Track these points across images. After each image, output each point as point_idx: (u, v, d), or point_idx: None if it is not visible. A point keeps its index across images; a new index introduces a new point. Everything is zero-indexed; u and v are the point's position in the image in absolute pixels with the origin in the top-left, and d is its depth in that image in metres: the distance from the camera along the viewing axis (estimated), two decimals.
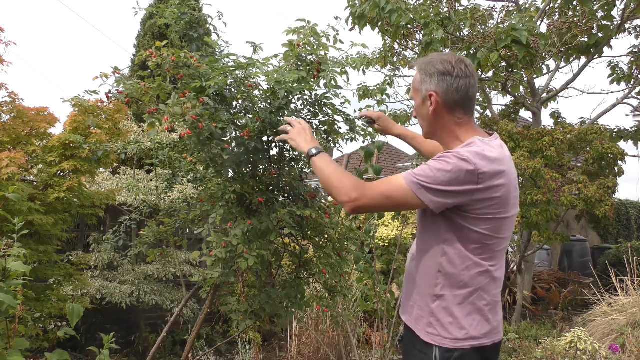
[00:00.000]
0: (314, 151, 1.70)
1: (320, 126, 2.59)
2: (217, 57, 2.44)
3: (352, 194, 1.49)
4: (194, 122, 2.19)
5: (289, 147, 2.59)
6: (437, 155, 1.49)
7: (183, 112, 2.13)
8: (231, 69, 2.30)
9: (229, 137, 2.42)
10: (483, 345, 1.50)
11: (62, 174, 3.68)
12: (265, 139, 2.50)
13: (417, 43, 7.18)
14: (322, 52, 2.47)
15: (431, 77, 1.57)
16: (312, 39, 2.45)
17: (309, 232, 2.61)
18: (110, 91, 2.34)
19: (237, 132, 2.38)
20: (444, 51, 6.36)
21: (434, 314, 1.53)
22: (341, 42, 2.55)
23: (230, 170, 2.49)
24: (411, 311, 1.62)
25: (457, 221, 1.48)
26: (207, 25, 3.03)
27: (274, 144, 2.55)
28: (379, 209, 1.57)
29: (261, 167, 2.57)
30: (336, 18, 2.63)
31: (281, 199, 2.61)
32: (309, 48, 2.44)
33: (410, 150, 24.05)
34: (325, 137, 2.65)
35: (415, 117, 1.69)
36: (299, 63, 2.47)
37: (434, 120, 1.60)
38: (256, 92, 2.47)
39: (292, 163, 2.63)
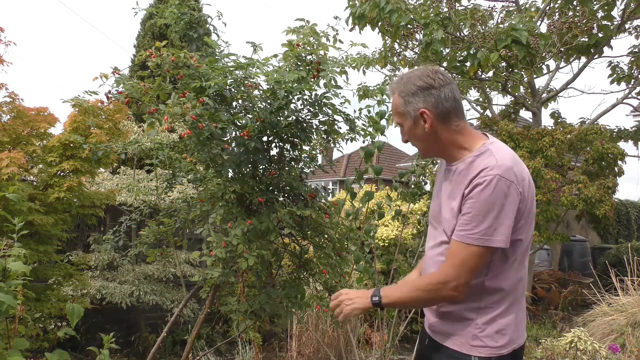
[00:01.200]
0: (375, 299, 1.54)
1: (320, 126, 2.59)
2: (216, 57, 2.44)
3: (449, 287, 1.44)
4: (193, 122, 2.19)
5: (288, 147, 2.60)
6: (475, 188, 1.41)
7: (183, 112, 2.14)
8: (231, 69, 2.30)
9: (229, 137, 2.42)
10: (520, 345, 1.53)
11: (62, 174, 3.68)
12: (265, 138, 2.50)
13: (417, 43, 7.17)
14: (321, 52, 2.47)
15: (415, 96, 1.51)
16: (311, 38, 2.45)
17: (309, 232, 2.61)
18: (110, 91, 2.34)
19: (237, 132, 2.38)
20: (443, 51, 6.36)
21: (479, 326, 1.48)
22: (341, 41, 2.56)
23: (230, 170, 2.50)
24: (445, 329, 1.55)
25: None
26: (207, 26, 3.03)
27: (273, 144, 2.55)
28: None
29: (261, 167, 2.57)
30: (336, 18, 2.63)
31: (281, 199, 2.61)
32: (308, 48, 2.44)
33: (410, 150, 24.03)
34: (325, 137, 2.65)
35: (407, 142, 1.63)
36: (299, 63, 2.47)
37: (432, 137, 1.54)
38: (256, 92, 2.48)
39: (292, 163, 2.63)
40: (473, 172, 1.44)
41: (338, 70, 2.43)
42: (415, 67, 1.65)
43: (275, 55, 2.49)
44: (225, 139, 2.40)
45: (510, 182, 1.39)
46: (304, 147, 2.68)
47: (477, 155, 1.48)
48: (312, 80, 2.40)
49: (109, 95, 2.36)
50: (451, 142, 1.54)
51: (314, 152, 2.76)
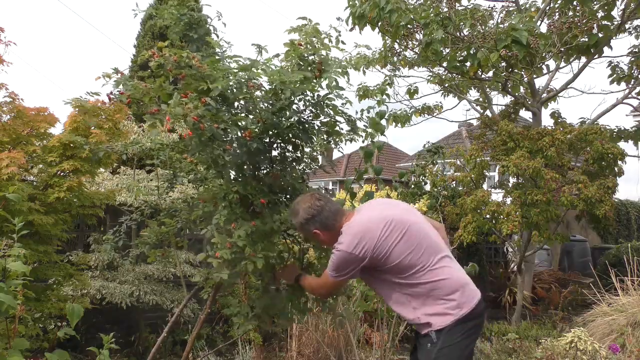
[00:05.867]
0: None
1: (322, 127, 2.59)
2: (218, 57, 2.43)
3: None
4: (195, 123, 2.18)
5: (290, 148, 2.60)
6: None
7: (184, 112, 2.13)
8: (234, 70, 2.30)
9: (230, 138, 2.41)
10: (459, 316, 2.07)
11: (62, 174, 3.68)
12: (267, 140, 2.49)
13: (417, 43, 7.17)
14: (323, 52, 2.46)
15: (307, 224, 2.21)
16: (313, 38, 2.44)
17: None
18: (111, 92, 2.33)
19: (240, 133, 2.38)
20: (443, 51, 6.35)
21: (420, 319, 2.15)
22: (343, 42, 2.54)
23: (232, 172, 2.49)
24: (410, 319, 2.21)
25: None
26: (207, 26, 3.02)
27: (275, 145, 2.54)
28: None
29: (263, 169, 2.56)
30: (338, 19, 2.63)
31: (284, 199, 2.60)
32: (310, 47, 2.43)
33: (409, 150, 24.02)
34: (326, 137, 2.64)
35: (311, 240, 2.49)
36: (301, 63, 2.45)
37: (327, 237, 2.24)
38: (258, 92, 2.47)
39: (294, 164, 2.62)
40: None
41: (340, 71, 2.42)
42: (301, 199, 2.26)
43: (277, 55, 2.48)
44: (226, 139, 2.40)
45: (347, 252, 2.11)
46: (306, 149, 2.67)
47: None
48: (315, 80, 2.39)
49: (111, 97, 2.36)
50: (337, 236, 2.18)
51: (315, 153, 2.75)
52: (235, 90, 2.34)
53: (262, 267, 2.24)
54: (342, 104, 2.54)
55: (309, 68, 2.43)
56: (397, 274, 2.12)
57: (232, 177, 2.54)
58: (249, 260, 2.20)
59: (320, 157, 2.88)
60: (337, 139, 2.65)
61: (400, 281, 2.13)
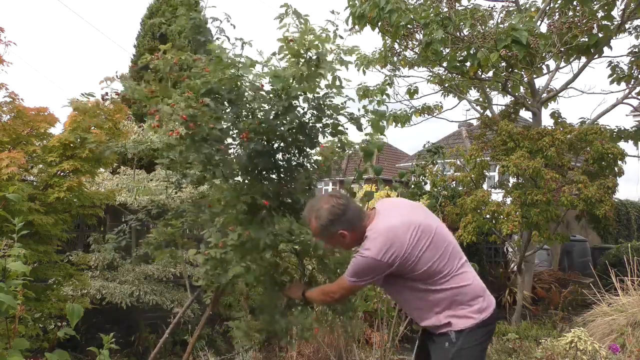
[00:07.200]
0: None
1: (325, 128, 2.58)
2: (223, 59, 2.43)
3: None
4: (184, 122, 2.18)
5: (295, 152, 2.60)
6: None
7: (172, 111, 2.13)
8: (238, 72, 2.30)
9: (234, 136, 2.41)
10: (480, 320, 2.08)
11: (62, 174, 3.68)
12: (266, 142, 2.48)
13: (417, 43, 7.17)
14: (319, 45, 2.43)
15: (332, 225, 2.08)
16: (310, 36, 2.41)
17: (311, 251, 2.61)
18: (107, 93, 2.37)
19: (235, 131, 2.38)
20: (443, 51, 6.34)
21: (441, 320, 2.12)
22: (340, 37, 2.51)
23: (239, 177, 2.50)
24: (430, 324, 2.16)
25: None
26: (216, 28, 2.99)
27: (278, 148, 2.54)
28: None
29: (267, 173, 2.55)
30: (333, 12, 2.56)
31: (289, 202, 2.59)
32: (305, 43, 2.40)
33: (409, 150, 24.00)
34: (335, 138, 2.63)
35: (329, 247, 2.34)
36: (295, 59, 2.43)
37: (350, 243, 2.17)
38: (261, 92, 2.46)
39: (300, 169, 2.61)
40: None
41: (339, 67, 2.40)
42: (318, 201, 2.12)
43: (274, 54, 2.46)
44: (222, 141, 2.39)
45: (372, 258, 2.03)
46: (313, 156, 2.66)
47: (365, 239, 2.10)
48: (318, 78, 2.36)
49: (106, 97, 2.38)
50: (361, 237, 2.11)
51: (326, 162, 2.71)
52: (233, 87, 2.34)
53: (242, 275, 2.25)
54: (343, 102, 2.53)
55: (305, 63, 2.39)
56: (422, 281, 2.07)
57: (239, 180, 2.52)
58: (231, 265, 2.21)
59: (331, 166, 2.83)
60: (344, 145, 2.65)
61: (424, 287, 2.08)
